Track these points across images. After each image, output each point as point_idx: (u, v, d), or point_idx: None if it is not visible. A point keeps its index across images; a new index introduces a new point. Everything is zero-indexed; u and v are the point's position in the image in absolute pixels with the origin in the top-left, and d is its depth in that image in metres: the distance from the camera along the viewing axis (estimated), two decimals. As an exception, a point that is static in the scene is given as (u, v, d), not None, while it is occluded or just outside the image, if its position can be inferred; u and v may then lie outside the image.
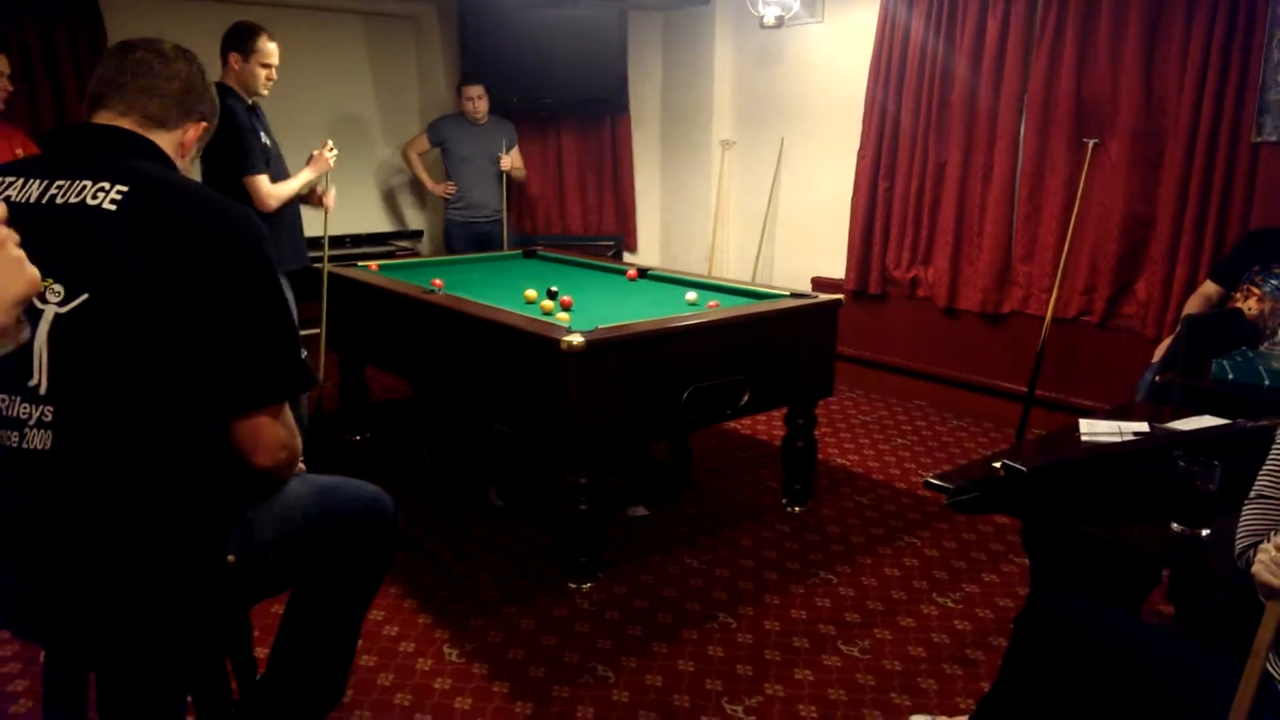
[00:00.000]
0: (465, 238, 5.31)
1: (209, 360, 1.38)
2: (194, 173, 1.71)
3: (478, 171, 5.25)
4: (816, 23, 5.19)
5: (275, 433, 1.48)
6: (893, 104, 4.73)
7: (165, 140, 1.53)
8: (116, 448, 1.36)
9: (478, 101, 5.17)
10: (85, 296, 1.33)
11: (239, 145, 3.32)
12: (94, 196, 1.37)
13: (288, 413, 1.51)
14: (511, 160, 5.33)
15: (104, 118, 1.50)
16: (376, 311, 3.72)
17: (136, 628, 1.43)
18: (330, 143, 3.70)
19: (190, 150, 1.60)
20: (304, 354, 1.51)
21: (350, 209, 6.02)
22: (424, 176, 5.48)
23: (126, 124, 1.50)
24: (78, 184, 1.39)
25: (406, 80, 6.13)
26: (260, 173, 3.40)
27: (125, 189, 1.38)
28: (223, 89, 3.39)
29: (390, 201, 6.25)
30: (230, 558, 1.49)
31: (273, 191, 3.43)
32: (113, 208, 1.36)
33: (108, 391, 1.34)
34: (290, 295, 3.54)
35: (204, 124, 1.60)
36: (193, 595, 1.45)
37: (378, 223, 6.15)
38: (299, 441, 1.57)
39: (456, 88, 5.34)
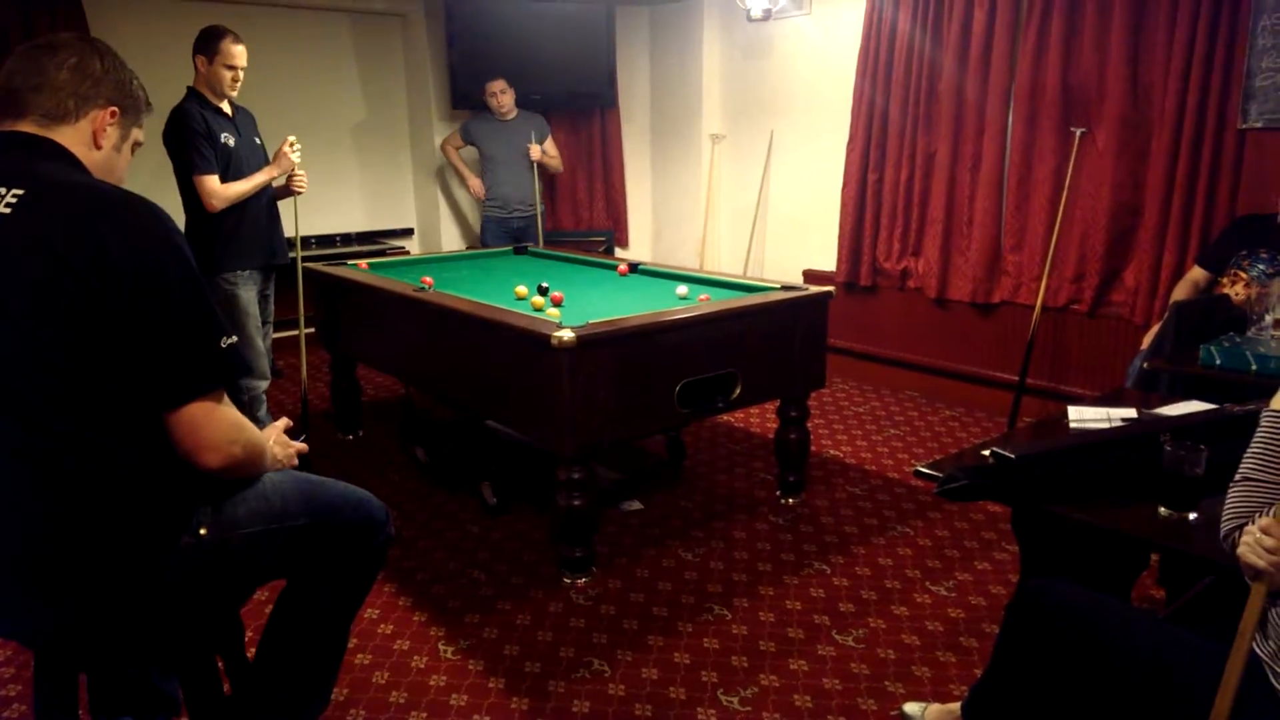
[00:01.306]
0: (500, 234, 5.33)
1: (127, 354, 1.37)
2: (119, 159, 1.61)
3: (509, 167, 5.26)
4: (804, 15, 5.19)
5: (215, 427, 1.43)
6: (881, 96, 4.74)
7: (70, 136, 1.50)
8: (48, 439, 1.36)
9: (501, 96, 5.17)
10: None
11: (184, 146, 3.43)
12: None
13: (228, 406, 1.47)
14: (542, 150, 5.35)
15: (6, 125, 1.49)
16: (367, 310, 3.72)
17: (112, 607, 1.43)
18: (292, 139, 3.67)
19: (107, 137, 1.54)
20: (229, 341, 1.45)
21: (340, 208, 6.01)
22: (464, 170, 5.51)
23: (26, 127, 1.48)
24: None
25: (394, 78, 6.12)
26: (205, 173, 3.45)
27: (20, 191, 1.38)
28: (190, 92, 3.54)
29: (380, 200, 6.23)
30: (202, 530, 1.49)
31: (216, 191, 3.47)
32: (8, 210, 1.36)
33: (26, 389, 1.35)
34: (253, 291, 3.66)
35: (113, 108, 1.54)
36: (165, 568, 1.45)
37: (368, 221, 6.13)
38: (254, 436, 1.53)
39: (482, 84, 5.32)
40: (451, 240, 6.24)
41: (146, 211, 1.41)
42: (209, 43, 3.51)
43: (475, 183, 5.44)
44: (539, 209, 5.38)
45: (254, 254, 3.67)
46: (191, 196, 3.49)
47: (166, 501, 1.46)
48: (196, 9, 5.15)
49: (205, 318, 1.43)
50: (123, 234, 1.36)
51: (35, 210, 1.36)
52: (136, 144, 1.63)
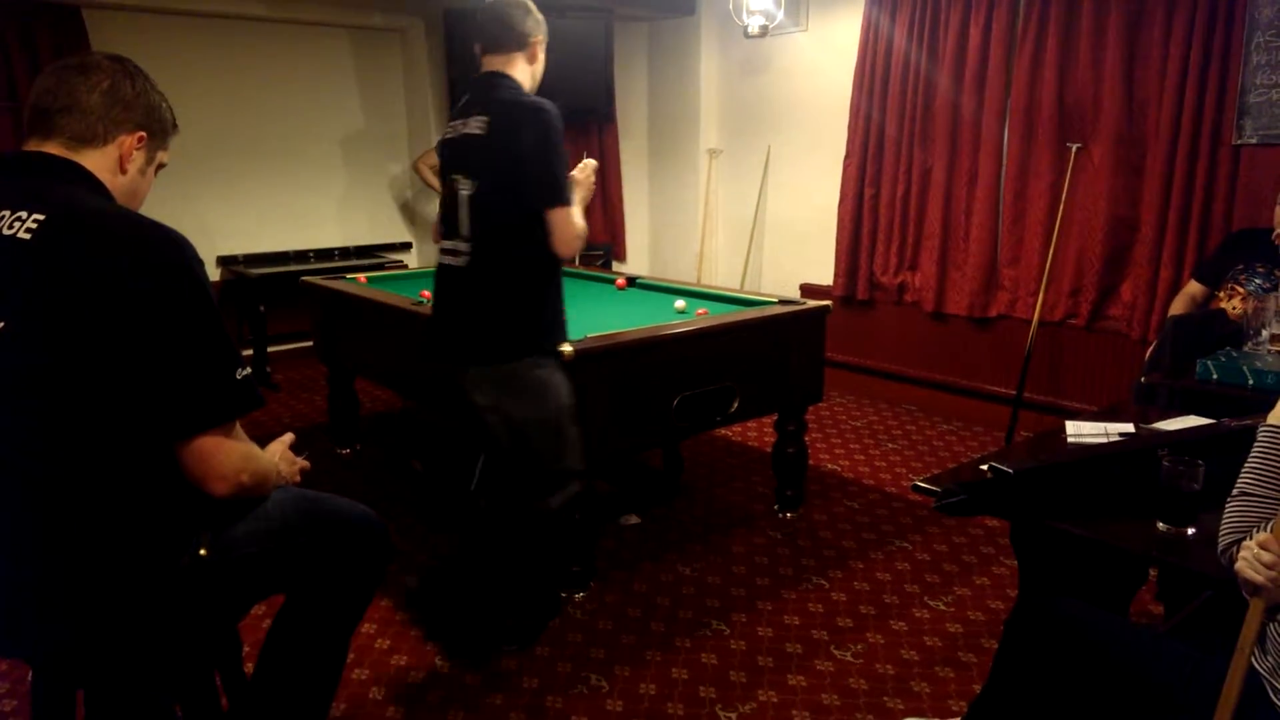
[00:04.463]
0: None
1: (139, 383, 1.36)
2: (143, 182, 1.59)
3: None
4: (800, 31, 5.22)
5: (225, 458, 1.44)
6: (877, 111, 4.76)
7: (97, 160, 1.49)
8: (56, 463, 1.36)
9: None
10: (1, 326, 1.34)
11: (553, 163, 2.27)
12: (10, 226, 1.37)
13: (239, 435, 1.48)
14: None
15: (33, 144, 1.48)
16: (366, 324, 3.72)
17: (110, 626, 1.43)
18: (590, 159, 2.53)
19: (133, 162, 1.53)
20: (243, 373, 1.45)
21: (338, 221, 6.03)
22: (435, 183, 5.51)
23: (52, 148, 1.47)
24: None
25: (393, 93, 6.15)
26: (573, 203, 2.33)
27: (42, 217, 1.37)
28: (533, 96, 2.40)
29: (378, 214, 6.25)
30: (201, 550, 1.48)
31: (580, 226, 2.33)
32: (28, 236, 1.35)
33: (36, 414, 1.35)
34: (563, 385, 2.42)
35: (141, 133, 1.53)
36: (164, 589, 1.45)
37: (366, 235, 6.15)
38: (262, 463, 1.53)
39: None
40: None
41: (166, 240, 1.41)
42: (543, 25, 2.44)
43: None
44: None
45: (556, 328, 2.47)
46: (526, 240, 2.30)
47: (166, 524, 1.46)
48: (199, 25, 5.19)
49: (220, 349, 1.43)
50: (141, 263, 1.35)
51: (56, 237, 1.35)
52: (160, 165, 1.62)
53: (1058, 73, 4.05)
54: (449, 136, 2.44)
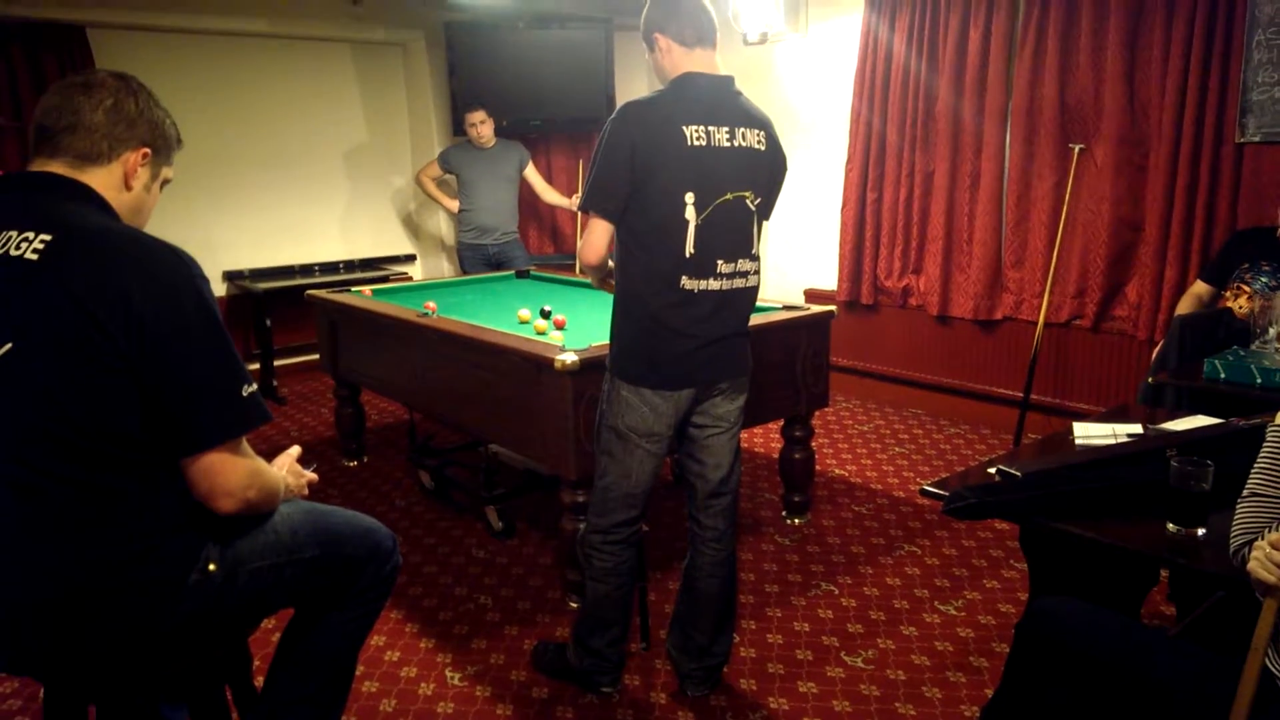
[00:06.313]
0: (476, 260, 5.36)
1: (146, 401, 1.37)
2: (148, 199, 1.58)
3: (486, 195, 5.29)
4: (800, 37, 5.23)
5: (232, 475, 1.44)
6: (878, 116, 4.77)
7: (102, 178, 1.48)
8: (58, 483, 1.36)
9: (480, 127, 5.20)
10: (9, 346, 1.35)
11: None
12: (17, 247, 1.37)
13: (246, 451, 1.48)
14: (561, 199, 5.49)
15: (37, 164, 1.48)
16: (371, 336, 3.73)
17: (121, 643, 1.43)
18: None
19: (138, 178, 1.52)
20: (251, 389, 1.46)
21: (343, 234, 6.05)
22: (439, 196, 5.53)
23: (57, 168, 1.47)
24: (3, 235, 1.40)
25: (396, 106, 6.17)
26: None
27: (49, 238, 1.37)
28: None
29: (383, 226, 6.27)
30: (211, 566, 1.48)
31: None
32: (35, 257, 1.36)
33: (44, 433, 1.35)
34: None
35: (145, 149, 1.53)
36: (174, 605, 1.45)
37: (370, 248, 6.17)
38: (269, 479, 1.54)
39: (461, 114, 5.37)
40: (454, 266, 6.28)
41: (171, 258, 1.41)
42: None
43: (452, 204, 5.48)
44: (515, 235, 5.42)
45: None
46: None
47: (175, 541, 1.46)
48: (202, 41, 5.22)
49: (227, 366, 1.43)
50: (147, 283, 1.36)
51: (63, 258, 1.36)
52: (165, 181, 1.62)
53: (1058, 74, 4.05)
54: (708, 145, 2.05)
